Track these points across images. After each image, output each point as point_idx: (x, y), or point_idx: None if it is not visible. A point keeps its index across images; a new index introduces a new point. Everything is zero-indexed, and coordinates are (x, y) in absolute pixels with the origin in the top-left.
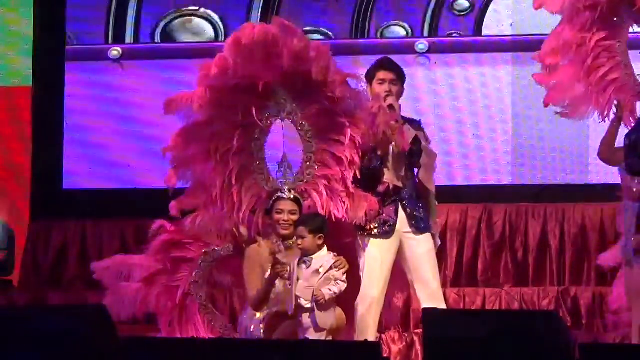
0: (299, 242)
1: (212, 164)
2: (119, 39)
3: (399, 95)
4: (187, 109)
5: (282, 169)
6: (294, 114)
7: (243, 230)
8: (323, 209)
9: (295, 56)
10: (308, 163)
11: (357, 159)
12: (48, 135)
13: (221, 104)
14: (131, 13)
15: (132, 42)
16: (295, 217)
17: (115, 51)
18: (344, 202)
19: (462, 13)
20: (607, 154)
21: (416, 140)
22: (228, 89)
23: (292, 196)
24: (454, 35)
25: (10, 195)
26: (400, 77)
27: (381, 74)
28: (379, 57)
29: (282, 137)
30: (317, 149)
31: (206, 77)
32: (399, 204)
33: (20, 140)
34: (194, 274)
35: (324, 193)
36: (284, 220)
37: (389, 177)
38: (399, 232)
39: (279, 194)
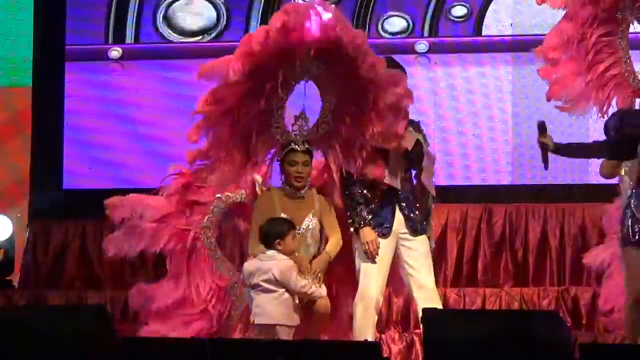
0: (280, 247)
1: (235, 120)
2: (119, 39)
3: None
4: (221, 77)
5: (298, 123)
6: (319, 77)
7: (258, 178)
8: (334, 163)
9: (333, 34)
10: (325, 119)
11: (378, 127)
12: (48, 135)
13: (255, 67)
14: (131, 13)
15: (133, 42)
16: (308, 169)
17: (115, 51)
18: (356, 160)
19: (460, 19)
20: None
21: (418, 143)
22: (262, 55)
23: (304, 148)
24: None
25: (10, 195)
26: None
27: None
28: (379, 56)
29: (304, 95)
30: (336, 108)
31: (246, 48)
32: (396, 205)
33: (20, 140)
34: (205, 218)
35: (337, 148)
36: (297, 172)
37: (386, 178)
38: (395, 233)
39: (292, 145)
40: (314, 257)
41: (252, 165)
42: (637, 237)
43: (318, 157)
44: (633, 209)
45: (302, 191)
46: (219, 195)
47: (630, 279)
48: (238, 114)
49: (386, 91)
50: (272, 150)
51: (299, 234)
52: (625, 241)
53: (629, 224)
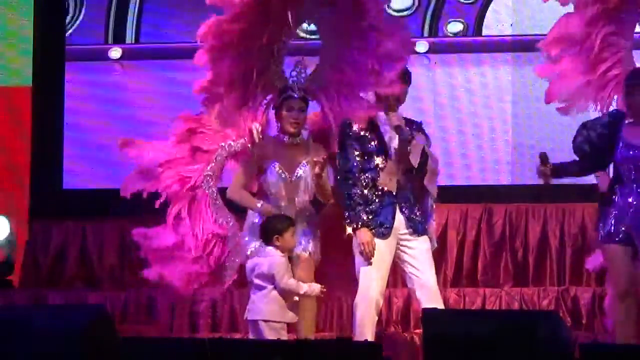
0: (278, 243)
1: (235, 56)
2: (119, 39)
3: (404, 95)
4: (228, 5)
5: (297, 69)
6: (323, 20)
7: (257, 125)
8: (330, 111)
9: None
10: (324, 67)
11: (377, 68)
12: (48, 135)
13: (261, 2)
14: (131, 13)
15: (133, 42)
16: (303, 116)
17: (115, 51)
18: (352, 109)
19: (467, 2)
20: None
21: (423, 152)
22: None
23: (301, 95)
24: (455, 22)
25: (10, 195)
26: (406, 75)
27: None
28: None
29: (305, 40)
30: (336, 55)
31: None
32: (396, 206)
33: (20, 140)
34: (208, 167)
35: (334, 97)
36: (293, 118)
37: (384, 180)
38: (395, 234)
39: (289, 92)
40: (306, 206)
41: (248, 109)
42: (620, 235)
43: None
44: (618, 206)
45: (297, 138)
46: (222, 143)
47: (614, 276)
48: (238, 50)
49: (387, 38)
50: (269, 96)
51: (291, 182)
52: (608, 238)
53: (613, 222)
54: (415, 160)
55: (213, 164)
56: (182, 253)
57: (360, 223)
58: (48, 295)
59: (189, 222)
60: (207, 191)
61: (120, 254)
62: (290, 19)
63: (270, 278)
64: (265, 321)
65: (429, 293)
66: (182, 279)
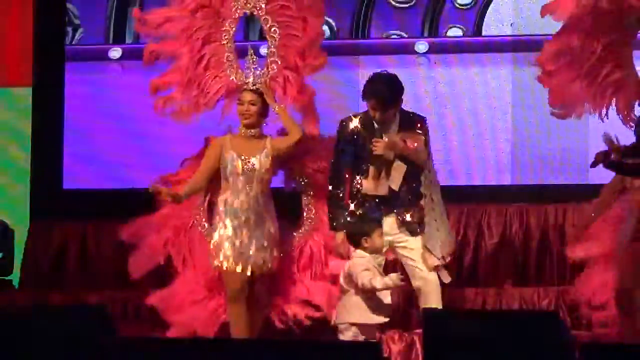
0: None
1: (187, 48)
2: (119, 39)
3: (394, 113)
4: None
5: (248, 63)
6: (259, 9)
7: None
8: (288, 100)
9: None
10: (272, 58)
11: (307, 54)
12: (48, 135)
13: None
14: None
15: (133, 42)
16: (255, 108)
17: (116, 51)
18: (291, 96)
19: (465, 7)
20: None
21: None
22: None
23: (254, 88)
24: (455, 28)
25: (10, 196)
26: (384, 104)
27: (370, 103)
28: (379, 57)
29: (247, 30)
30: (279, 44)
31: None
32: (388, 209)
33: (20, 140)
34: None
35: (286, 87)
36: (245, 111)
37: (369, 187)
38: (387, 235)
39: (244, 86)
40: (260, 198)
41: (203, 98)
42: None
43: None
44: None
45: (252, 131)
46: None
47: (637, 275)
48: (188, 41)
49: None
50: (227, 90)
51: (247, 166)
52: (630, 238)
53: (633, 222)
54: (396, 184)
55: (199, 203)
56: (198, 296)
57: (335, 225)
58: (48, 295)
59: (194, 263)
60: (200, 229)
61: (120, 254)
62: (229, 9)
63: (350, 276)
64: (351, 324)
65: (428, 285)
66: (206, 322)
